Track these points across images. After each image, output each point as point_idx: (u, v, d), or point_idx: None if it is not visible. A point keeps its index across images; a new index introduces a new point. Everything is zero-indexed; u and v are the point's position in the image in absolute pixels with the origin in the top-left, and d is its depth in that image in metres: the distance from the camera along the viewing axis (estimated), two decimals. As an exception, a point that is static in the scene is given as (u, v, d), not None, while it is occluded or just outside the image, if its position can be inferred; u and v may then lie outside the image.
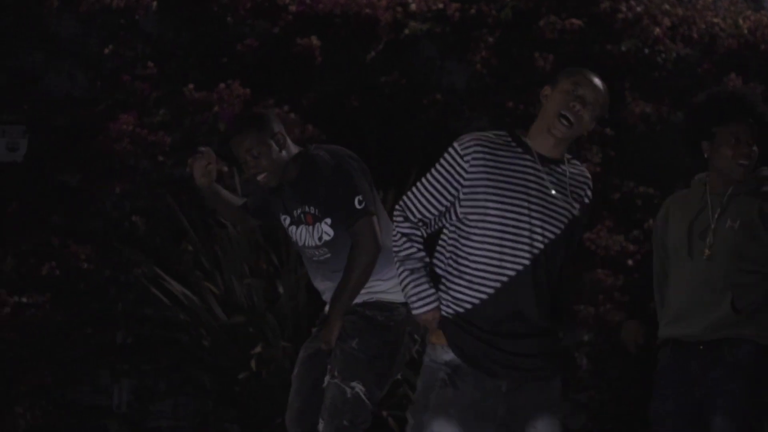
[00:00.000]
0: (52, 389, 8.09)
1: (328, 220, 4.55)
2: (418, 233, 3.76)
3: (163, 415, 8.51)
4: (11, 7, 8.46)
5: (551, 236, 3.70)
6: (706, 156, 4.38)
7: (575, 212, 3.75)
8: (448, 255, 3.74)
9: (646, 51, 9.02)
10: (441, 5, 8.77)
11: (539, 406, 3.74)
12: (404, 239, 3.78)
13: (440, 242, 3.83)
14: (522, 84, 8.86)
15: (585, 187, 3.82)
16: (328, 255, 4.55)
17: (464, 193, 3.68)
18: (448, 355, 3.73)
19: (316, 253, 4.65)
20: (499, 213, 3.67)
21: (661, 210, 4.53)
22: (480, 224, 3.68)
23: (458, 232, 3.72)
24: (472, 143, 3.69)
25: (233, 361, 7.82)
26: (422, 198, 3.76)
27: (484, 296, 3.69)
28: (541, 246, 3.68)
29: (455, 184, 3.69)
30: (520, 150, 3.72)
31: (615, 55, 9.00)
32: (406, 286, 3.75)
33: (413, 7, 8.69)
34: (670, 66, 9.11)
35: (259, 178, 4.49)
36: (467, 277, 3.70)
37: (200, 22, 8.59)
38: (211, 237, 7.90)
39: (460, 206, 3.70)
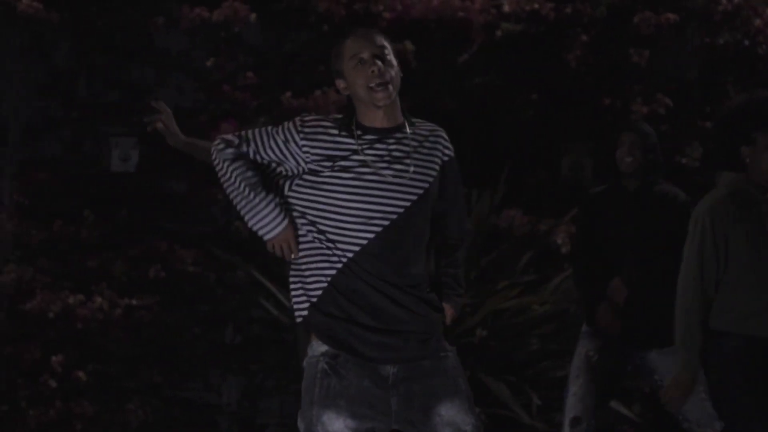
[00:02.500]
0: (164, 387, 8.46)
1: None
2: (248, 158, 3.50)
3: (270, 412, 8.80)
4: (123, 26, 8.89)
5: (399, 207, 3.49)
6: (747, 161, 4.43)
7: (431, 173, 3.57)
8: (310, 238, 3.53)
9: (746, 43, 8.91)
10: (536, 5, 8.83)
11: (437, 390, 3.48)
12: (230, 162, 3.52)
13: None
14: (618, 81, 8.87)
15: (439, 144, 3.62)
16: None
17: (308, 170, 3.51)
18: (324, 347, 3.51)
19: None
20: (342, 195, 3.50)
21: (717, 209, 4.44)
22: (327, 207, 3.50)
23: (311, 211, 3.54)
24: (312, 125, 3.53)
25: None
26: (258, 137, 3.55)
27: (341, 265, 3.49)
28: (393, 217, 3.48)
29: (289, 148, 3.51)
30: (354, 132, 3.53)
31: (714, 48, 8.92)
32: (248, 211, 3.48)
33: (506, 8, 8.78)
34: (773, 57, 8.97)
35: None
36: (327, 250, 3.50)
37: (298, 31, 8.87)
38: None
39: (304, 187, 3.52)
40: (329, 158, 3.51)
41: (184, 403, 8.60)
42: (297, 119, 3.57)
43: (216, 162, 3.58)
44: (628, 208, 5.32)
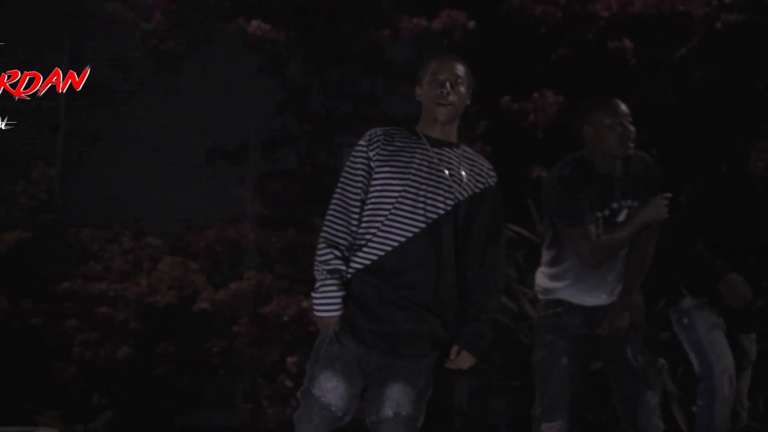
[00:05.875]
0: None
1: None
2: (342, 241, 4.22)
3: (499, 412, 8.92)
4: (354, 39, 9.27)
5: (441, 209, 4.20)
6: None
7: (469, 191, 4.27)
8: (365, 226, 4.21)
9: None
10: (760, -6, 8.58)
11: (399, 374, 4.23)
12: (325, 246, 4.26)
13: None
14: None
15: (484, 173, 4.34)
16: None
17: (373, 177, 4.22)
18: None
19: None
20: (397, 186, 4.20)
21: None
22: (383, 197, 4.19)
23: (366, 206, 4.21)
24: (375, 136, 4.28)
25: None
26: (347, 193, 4.24)
27: (381, 253, 4.16)
28: (433, 216, 4.19)
29: (367, 169, 4.22)
30: (414, 137, 4.30)
31: None
32: (320, 287, 4.23)
33: (727, -1, 8.57)
34: None
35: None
36: (368, 237, 4.18)
37: (515, 35, 8.95)
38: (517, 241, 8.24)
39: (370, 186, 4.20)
40: (390, 155, 4.24)
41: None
42: (361, 141, 4.32)
43: (318, 248, 4.31)
44: (756, 202, 5.47)
